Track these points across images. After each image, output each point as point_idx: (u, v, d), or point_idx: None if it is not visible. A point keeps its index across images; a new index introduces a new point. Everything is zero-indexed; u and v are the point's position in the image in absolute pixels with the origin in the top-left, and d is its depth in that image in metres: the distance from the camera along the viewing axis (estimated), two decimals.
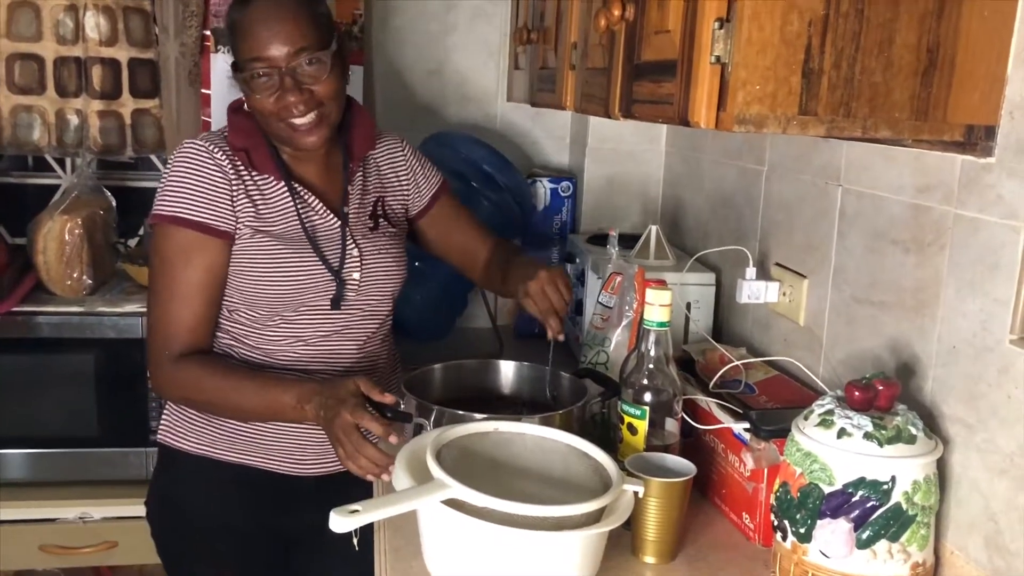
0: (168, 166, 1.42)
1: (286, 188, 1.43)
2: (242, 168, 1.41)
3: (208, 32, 2.15)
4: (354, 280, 1.46)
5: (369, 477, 1.25)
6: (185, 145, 1.41)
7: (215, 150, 1.39)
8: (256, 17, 1.34)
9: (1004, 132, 1.01)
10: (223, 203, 1.38)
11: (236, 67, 1.38)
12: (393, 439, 1.21)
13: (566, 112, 1.63)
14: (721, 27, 0.92)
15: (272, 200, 1.43)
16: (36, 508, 2.09)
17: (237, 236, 1.40)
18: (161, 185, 1.40)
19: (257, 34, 1.34)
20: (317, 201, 1.45)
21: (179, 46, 2.18)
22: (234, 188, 1.39)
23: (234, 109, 1.47)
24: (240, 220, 1.39)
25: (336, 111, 1.41)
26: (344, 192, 1.49)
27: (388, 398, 1.26)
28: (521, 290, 1.46)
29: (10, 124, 2.19)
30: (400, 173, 1.60)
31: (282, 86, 1.35)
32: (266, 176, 1.43)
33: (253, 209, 1.40)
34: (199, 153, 1.39)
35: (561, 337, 1.45)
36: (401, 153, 1.61)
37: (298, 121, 1.37)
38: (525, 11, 1.97)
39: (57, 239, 2.07)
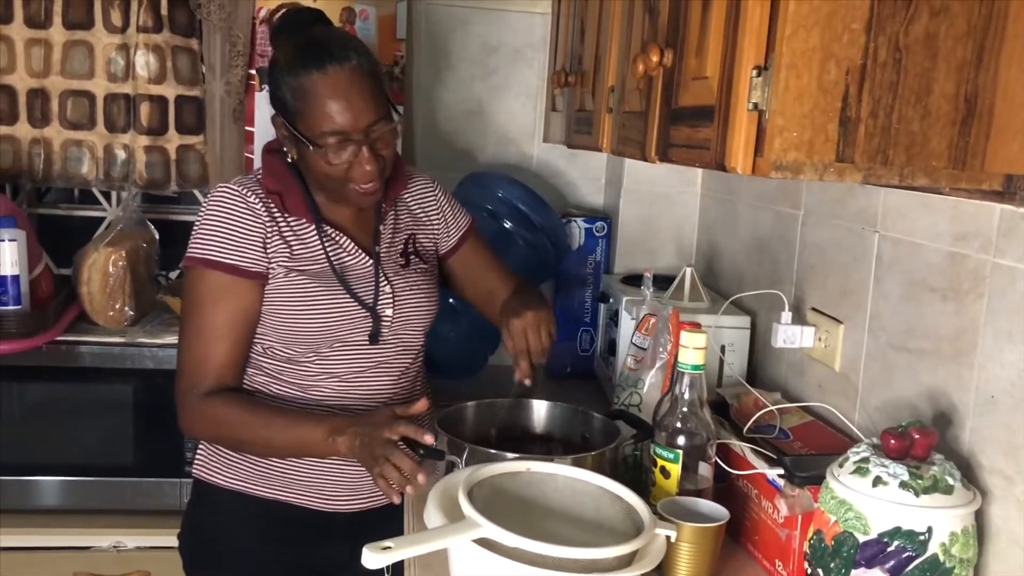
0: (202, 209, 1.44)
1: (317, 230, 1.45)
2: (275, 210, 1.43)
3: (253, 71, 2.21)
4: (387, 316, 1.48)
5: (408, 490, 1.24)
6: (219, 189, 1.44)
7: (248, 194, 1.42)
8: (331, 89, 1.33)
9: None
10: (255, 246, 1.40)
11: (300, 134, 1.36)
12: (429, 439, 1.24)
13: (602, 154, 1.65)
14: (759, 75, 0.93)
15: (305, 241, 1.45)
16: (71, 535, 2.11)
17: (271, 276, 1.42)
18: (195, 228, 1.43)
19: (333, 106, 1.33)
20: (349, 242, 1.47)
21: (224, 84, 2.23)
22: (268, 230, 1.41)
23: (269, 150, 1.49)
24: (273, 261, 1.41)
25: (391, 168, 1.45)
26: (376, 232, 1.51)
27: (428, 438, 1.27)
28: (504, 323, 1.48)
29: (60, 158, 2.25)
30: (430, 212, 1.62)
31: (358, 155, 1.36)
32: (299, 219, 1.45)
33: (288, 249, 1.42)
34: (232, 197, 1.41)
35: (528, 382, 1.45)
36: (432, 193, 1.63)
37: (367, 186, 1.40)
38: (563, 54, 2.00)
39: (101, 271, 2.11)
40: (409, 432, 1.25)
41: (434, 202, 1.63)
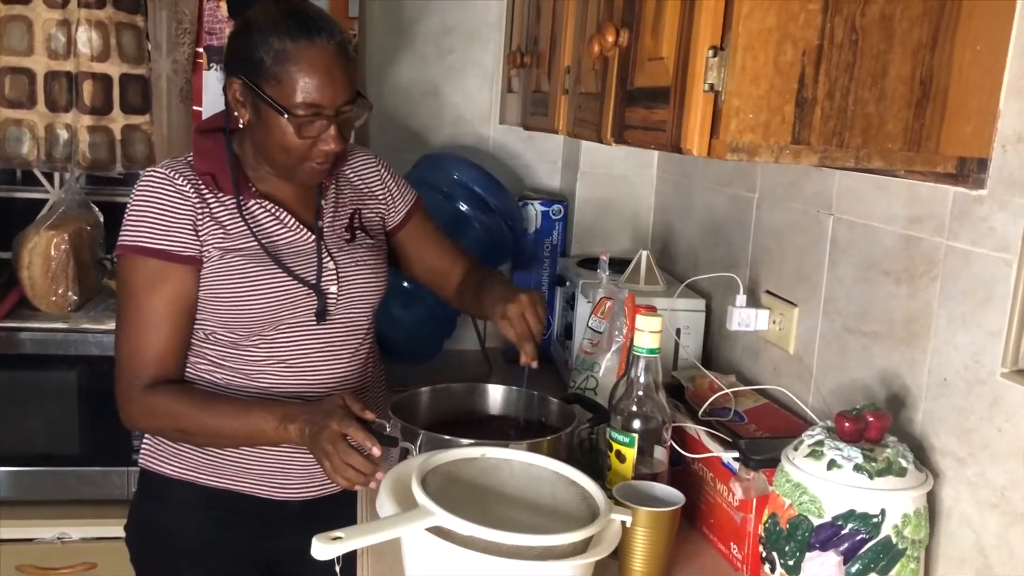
0: (131, 196, 1.39)
1: (256, 207, 1.42)
2: (207, 192, 1.39)
3: (200, 49, 2.15)
4: (332, 293, 1.45)
5: (357, 487, 1.24)
6: (146, 174, 1.40)
7: (176, 176, 1.38)
8: (316, 61, 1.30)
9: (996, 165, 1.01)
10: (186, 229, 1.36)
11: (270, 99, 1.31)
12: (376, 451, 1.22)
13: (558, 136, 1.64)
14: (715, 55, 0.92)
15: (241, 220, 1.41)
16: (14, 527, 2.06)
17: (205, 260, 1.38)
18: (125, 215, 1.39)
19: (315, 79, 1.30)
20: (290, 217, 1.44)
21: (171, 63, 2.17)
22: (199, 212, 1.37)
23: (201, 131, 1.45)
24: (207, 244, 1.38)
25: None
26: (317, 206, 1.48)
27: (369, 415, 1.26)
28: (499, 311, 1.45)
29: None
30: (374, 187, 1.59)
31: (325, 132, 1.34)
32: (233, 197, 1.41)
33: (221, 231, 1.38)
34: (160, 181, 1.38)
35: (535, 364, 1.44)
36: (375, 168, 1.60)
37: (323, 165, 1.37)
38: (519, 35, 1.97)
39: (43, 254, 2.05)
40: (358, 436, 1.22)
41: (377, 176, 1.60)
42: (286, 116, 1.32)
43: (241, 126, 1.40)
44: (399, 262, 1.67)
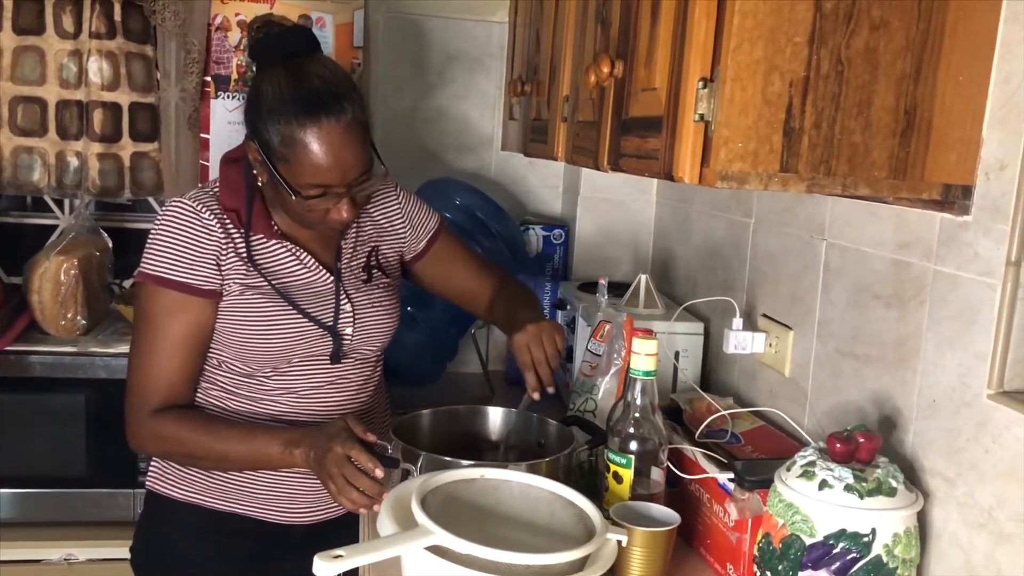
0: (155, 224, 1.40)
1: (278, 245, 1.44)
2: (231, 227, 1.40)
3: (209, 78, 2.19)
4: (347, 335, 1.47)
5: (361, 510, 1.26)
6: (172, 204, 1.40)
7: (203, 210, 1.38)
8: (323, 143, 1.29)
9: (980, 192, 1.04)
10: (208, 263, 1.38)
11: (280, 176, 1.32)
12: (379, 472, 1.23)
13: (559, 162, 1.67)
14: (705, 87, 0.95)
15: (263, 257, 1.42)
16: (21, 549, 2.07)
17: (225, 293, 1.39)
18: (148, 243, 1.40)
19: (323, 161, 1.29)
20: (310, 258, 1.45)
21: (180, 91, 2.22)
22: (222, 247, 1.38)
23: (229, 160, 1.46)
24: (228, 278, 1.39)
25: None
26: (337, 248, 1.49)
27: (371, 437, 1.27)
28: (510, 341, 1.50)
29: (11, 165, 2.22)
30: (394, 219, 1.60)
31: (337, 204, 1.34)
32: (257, 235, 1.42)
33: (243, 266, 1.40)
34: (186, 213, 1.38)
35: (536, 396, 1.47)
36: (395, 199, 1.61)
37: (339, 226, 1.39)
38: (520, 64, 2.01)
39: (52, 279, 2.08)
40: (361, 458, 1.23)
41: (399, 210, 1.60)
42: (293, 196, 1.32)
43: (260, 184, 1.41)
44: (424, 285, 1.68)
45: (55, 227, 2.42)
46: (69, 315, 2.11)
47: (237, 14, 2.15)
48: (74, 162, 2.24)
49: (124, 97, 2.23)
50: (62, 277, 2.09)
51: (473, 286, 1.67)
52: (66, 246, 2.16)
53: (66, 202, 2.42)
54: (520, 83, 1.89)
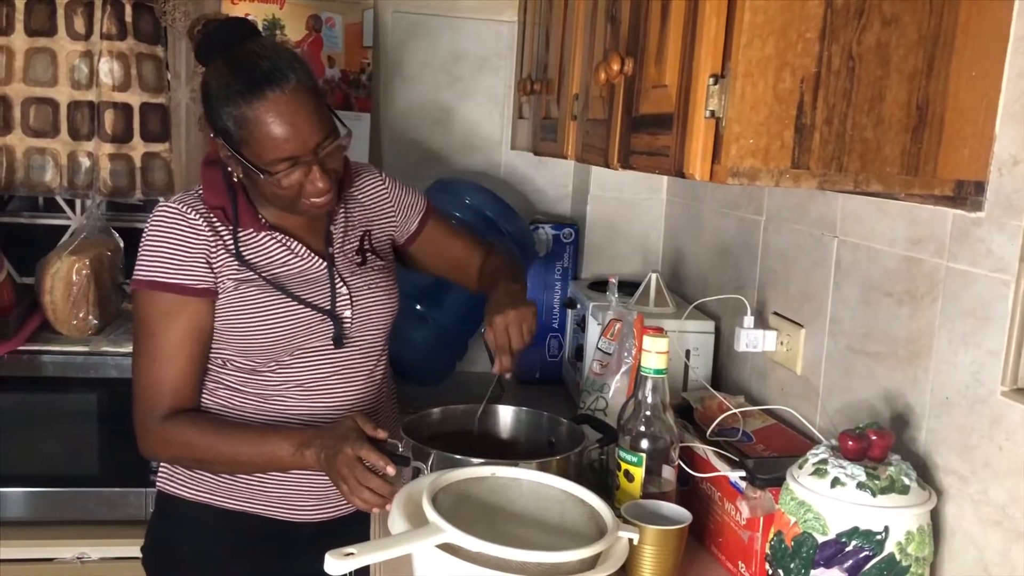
0: (144, 231, 1.41)
1: (267, 237, 1.44)
2: (219, 224, 1.41)
3: None
4: (347, 318, 1.47)
5: (375, 510, 1.26)
6: (159, 209, 1.41)
7: (188, 210, 1.39)
8: (274, 115, 1.29)
9: (993, 188, 1.04)
10: (199, 262, 1.38)
11: (248, 161, 1.33)
12: (391, 470, 1.23)
13: (569, 161, 1.67)
14: (716, 83, 0.95)
15: (254, 251, 1.43)
16: (34, 547, 2.09)
17: (220, 291, 1.40)
18: (139, 250, 1.40)
19: (279, 133, 1.30)
20: (300, 246, 1.46)
21: (190, 91, 2.23)
22: (211, 245, 1.39)
23: (208, 162, 1.46)
24: (221, 275, 1.40)
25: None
26: (327, 233, 1.50)
27: (381, 434, 1.28)
28: (487, 319, 1.48)
29: (23, 166, 2.23)
30: (383, 204, 1.61)
31: (309, 175, 1.34)
32: (246, 230, 1.43)
33: (235, 262, 1.41)
34: (171, 216, 1.39)
35: (508, 375, 1.47)
36: (382, 185, 1.62)
37: (320, 200, 1.38)
38: (529, 62, 2.01)
39: (64, 279, 2.09)
40: (372, 457, 1.24)
41: (385, 193, 1.62)
42: (263, 176, 1.32)
43: (236, 179, 1.41)
44: (418, 267, 1.70)
45: (67, 227, 2.44)
46: (81, 315, 2.12)
47: (247, 15, 2.16)
48: (86, 163, 2.25)
49: (135, 98, 2.24)
50: (74, 277, 2.10)
51: (464, 262, 1.70)
52: (78, 246, 2.17)
53: (78, 202, 2.43)
54: (530, 82, 1.89)
